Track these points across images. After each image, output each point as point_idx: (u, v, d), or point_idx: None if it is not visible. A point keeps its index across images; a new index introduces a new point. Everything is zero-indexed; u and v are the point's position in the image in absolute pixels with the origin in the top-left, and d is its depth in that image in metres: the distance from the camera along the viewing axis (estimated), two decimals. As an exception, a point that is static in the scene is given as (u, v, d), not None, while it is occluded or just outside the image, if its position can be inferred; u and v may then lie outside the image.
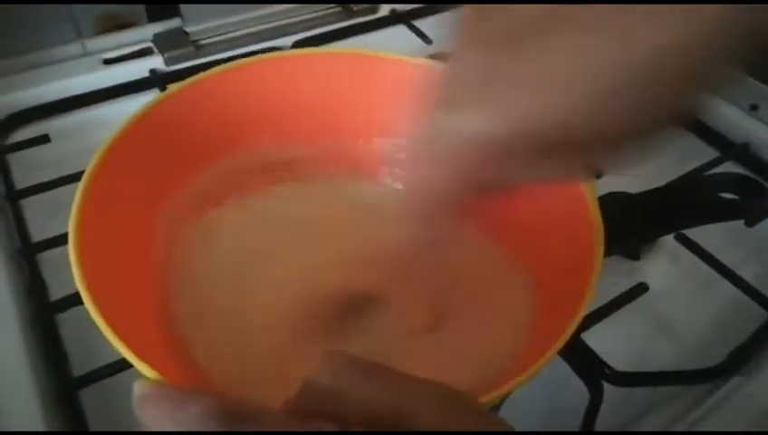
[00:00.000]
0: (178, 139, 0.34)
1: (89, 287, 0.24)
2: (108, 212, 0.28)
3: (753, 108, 0.51)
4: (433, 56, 0.53)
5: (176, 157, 0.34)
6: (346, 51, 0.38)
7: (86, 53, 0.54)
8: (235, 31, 0.57)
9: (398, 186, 0.39)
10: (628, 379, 0.34)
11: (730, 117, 0.52)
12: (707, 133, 0.52)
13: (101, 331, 0.23)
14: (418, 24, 0.60)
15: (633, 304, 0.37)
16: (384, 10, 0.62)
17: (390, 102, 0.37)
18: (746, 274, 0.40)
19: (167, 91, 0.33)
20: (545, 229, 0.31)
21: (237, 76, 0.35)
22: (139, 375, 0.22)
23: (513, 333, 0.30)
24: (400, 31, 0.60)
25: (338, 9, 0.61)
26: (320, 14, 0.60)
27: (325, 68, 0.37)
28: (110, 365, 0.32)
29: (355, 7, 0.61)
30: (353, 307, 0.32)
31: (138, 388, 0.20)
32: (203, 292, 0.33)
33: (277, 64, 0.36)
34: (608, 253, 0.27)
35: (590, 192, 0.29)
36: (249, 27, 0.58)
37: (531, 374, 0.22)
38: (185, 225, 0.34)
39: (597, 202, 0.28)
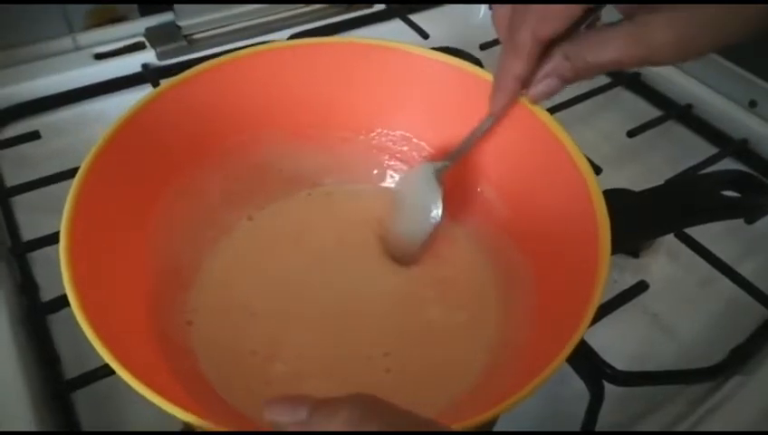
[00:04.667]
0: (174, 135, 0.33)
1: (82, 305, 0.23)
2: (102, 215, 0.28)
3: (752, 104, 0.51)
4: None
5: (172, 155, 0.33)
6: (342, 40, 0.37)
7: (77, 48, 0.53)
8: (228, 25, 0.56)
9: (393, 185, 0.39)
10: (628, 378, 0.34)
11: (729, 113, 0.51)
12: (706, 129, 0.52)
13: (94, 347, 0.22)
14: (415, 18, 0.59)
15: (633, 302, 0.37)
16: (380, 4, 0.61)
17: (391, 93, 0.37)
18: (746, 271, 0.40)
19: (162, 86, 0.32)
20: (550, 231, 0.31)
21: (231, 69, 0.34)
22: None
23: (509, 345, 0.30)
24: (397, 25, 0.60)
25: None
26: (315, 8, 0.60)
27: (322, 58, 0.36)
28: (103, 367, 0.32)
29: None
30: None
31: None
32: (201, 293, 0.32)
33: (272, 56, 0.35)
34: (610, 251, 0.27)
35: (597, 197, 0.28)
36: (243, 21, 0.57)
37: (527, 394, 0.22)
38: (184, 227, 0.33)
39: (605, 210, 0.28)
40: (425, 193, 0.34)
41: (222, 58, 0.34)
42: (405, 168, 0.39)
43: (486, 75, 0.34)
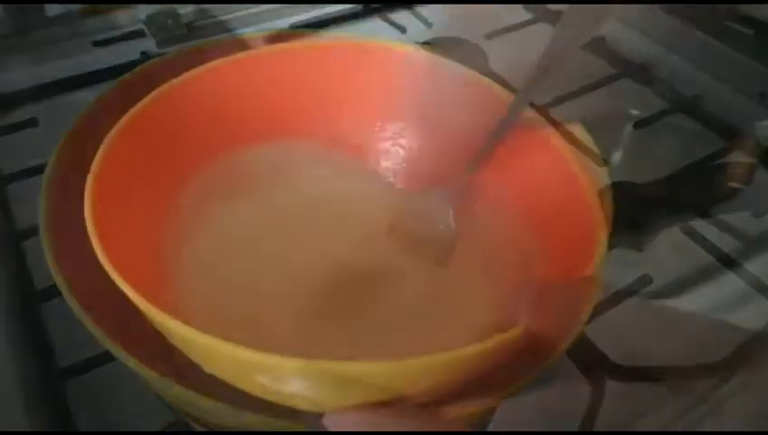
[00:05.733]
0: (176, 134, 0.33)
1: (71, 289, 0.23)
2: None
3: (762, 96, 0.50)
4: (433, 42, 0.52)
5: (175, 152, 0.33)
6: (336, 42, 0.37)
7: (75, 35, 0.53)
8: (228, 13, 0.56)
9: (392, 178, 0.38)
10: (630, 374, 0.33)
11: (738, 106, 0.51)
12: (714, 122, 0.51)
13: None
14: (418, 7, 0.59)
15: (636, 296, 0.37)
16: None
17: (381, 92, 0.36)
18: (753, 266, 0.39)
19: (162, 88, 0.32)
20: (541, 225, 0.30)
21: (234, 70, 0.34)
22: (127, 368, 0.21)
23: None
24: (400, 14, 0.59)
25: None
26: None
27: (313, 58, 0.36)
28: (97, 356, 0.32)
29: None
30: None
31: None
32: (183, 287, 0.32)
33: (263, 56, 0.35)
34: (612, 245, 0.26)
35: (592, 186, 0.27)
36: (243, 9, 0.56)
37: (523, 387, 0.22)
38: (169, 218, 0.33)
39: (598, 199, 0.27)
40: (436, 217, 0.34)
41: (222, 60, 0.34)
42: (393, 168, 0.38)
43: (479, 78, 0.33)
